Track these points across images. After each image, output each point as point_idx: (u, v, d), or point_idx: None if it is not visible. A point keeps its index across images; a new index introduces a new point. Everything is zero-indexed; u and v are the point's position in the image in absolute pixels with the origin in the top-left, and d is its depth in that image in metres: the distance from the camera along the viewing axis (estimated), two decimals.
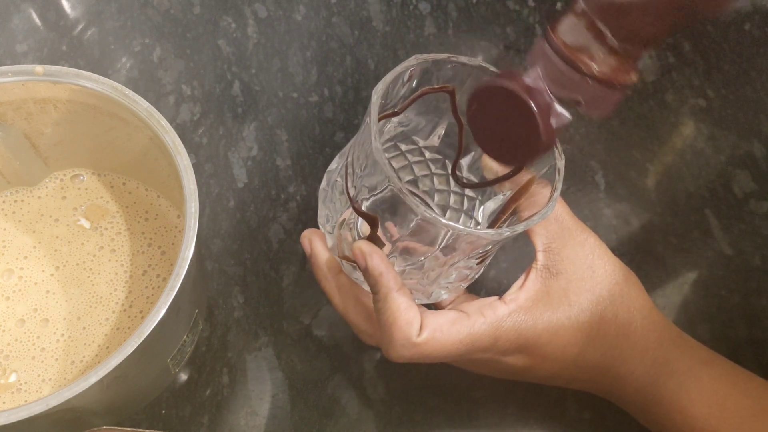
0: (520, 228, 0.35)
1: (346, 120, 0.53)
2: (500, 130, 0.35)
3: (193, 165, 0.38)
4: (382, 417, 0.44)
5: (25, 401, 0.40)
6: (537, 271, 0.38)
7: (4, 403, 0.40)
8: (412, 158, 0.44)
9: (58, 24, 0.56)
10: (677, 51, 0.56)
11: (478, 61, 0.39)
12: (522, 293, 0.38)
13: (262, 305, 0.47)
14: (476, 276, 0.41)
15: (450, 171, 0.44)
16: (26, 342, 0.42)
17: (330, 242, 0.41)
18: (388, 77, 0.37)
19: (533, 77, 0.34)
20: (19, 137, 0.43)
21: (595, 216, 0.50)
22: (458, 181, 0.43)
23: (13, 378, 0.41)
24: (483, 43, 0.57)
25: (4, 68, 0.40)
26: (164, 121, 0.39)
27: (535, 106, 0.33)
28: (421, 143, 0.44)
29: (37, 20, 0.56)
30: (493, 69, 0.39)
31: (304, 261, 0.48)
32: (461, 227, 0.34)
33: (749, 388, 0.38)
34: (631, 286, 0.39)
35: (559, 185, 0.37)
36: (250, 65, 0.55)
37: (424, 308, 0.38)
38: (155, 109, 0.39)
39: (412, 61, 0.38)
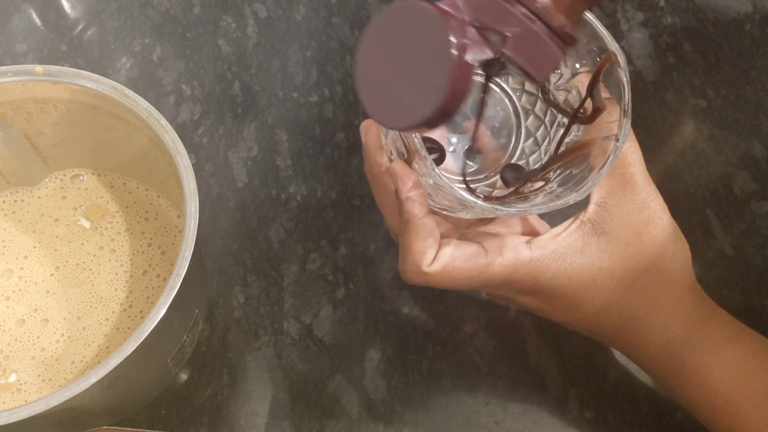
0: (547, 207, 0.33)
1: (346, 120, 0.53)
2: (398, 73, 0.27)
3: (193, 165, 0.38)
4: (383, 417, 0.44)
5: (25, 401, 0.40)
6: (581, 223, 0.36)
7: (4, 403, 0.40)
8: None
9: (58, 24, 0.56)
10: (677, 51, 0.55)
11: None
12: (552, 243, 0.36)
13: (262, 305, 0.47)
14: None
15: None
16: (26, 342, 0.42)
17: (383, 139, 0.39)
18: None
19: (449, 1, 0.27)
20: (19, 137, 0.43)
21: None
22: (544, 93, 0.39)
23: (13, 378, 0.41)
24: None
25: (4, 68, 0.40)
26: (164, 121, 0.39)
27: (450, 30, 0.26)
28: None
29: (37, 20, 0.56)
30: (594, 21, 0.34)
31: (304, 261, 0.48)
32: (503, 209, 0.33)
33: None
34: (675, 261, 0.38)
35: (614, 156, 0.33)
36: (250, 65, 0.55)
37: (456, 233, 0.38)
38: (155, 109, 0.39)
39: None
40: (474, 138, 0.39)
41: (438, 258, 0.36)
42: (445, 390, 0.45)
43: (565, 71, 0.38)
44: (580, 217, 0.37)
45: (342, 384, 0.45)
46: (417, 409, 0.44)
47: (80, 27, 0.56)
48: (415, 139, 0.33)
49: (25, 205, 0.46)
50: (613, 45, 0.35)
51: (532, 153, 0.41)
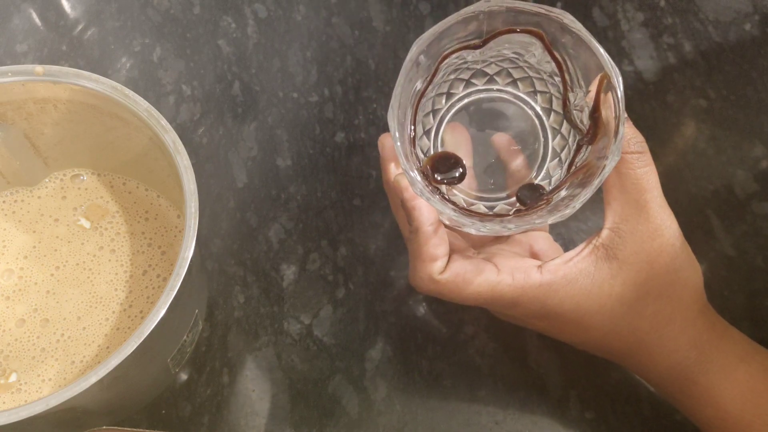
0: (532, 226, 0.35)
1: (346, 120, 0.53)
2: None
3: (193, 165, 0.38)
4: (383, 417, 0.44)
5: (25, 401, 0.40)
6: (594, 248, 0.37)
7: (4, 403, 0.40)
8: (532, 73, 0.42)
9: (58, 24, 0.56)
10: (678, 52, 0.55)
11: (561, 12, 0.36)
12: (564, 268, 0.36)
13: (262, 305, 0.47)
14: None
15: (562, 99, 0.41)
16: (26, 342, 0.42)
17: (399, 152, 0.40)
18: (438, 28, 0.36)
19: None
20: (19, 137, 0.43)
21: (597, 217, 0.50)
22: (566, 112, 0.40)
23: (13, 378, 0.41)
24: None
25: (4, 68, 0.40)
26: (164, 121, 0.39)
27: None
28: (535, 63, 0.41)
29: (37, 20, 0.56)
30: (572, 22, 0.36)
31: (304, 261, 0.48)
32: (496, 227, 0.34)
33: None
34: (686, 288, 0.37)
35: (601, 176, 0.34)
36: (250, 65, 0.55)
37: (469, 250, 0.39)
38: (155, 109, 0.39)
39: (480, 6, 0.36)
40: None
41: (449, 268, 0.36)
42: (445, 390, 0.45)
43: (579, 91, 0.38)
44: (593, 242, 0.37)
45: (342, 384, 0.45)
46: (417, 409, 0.44)
47: (80, 27, 0.56)
48: (398, 148, 0.34)
49: (25, 205, 0.46)
50: (608, 65, 0.35)
51: (555, 173, 0.41)
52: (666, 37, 0.56)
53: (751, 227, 0.50)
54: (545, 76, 0.41)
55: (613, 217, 0.37)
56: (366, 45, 0.56)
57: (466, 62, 0.40)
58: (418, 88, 0.38)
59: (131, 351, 0.33)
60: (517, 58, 0.40)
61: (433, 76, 0.39)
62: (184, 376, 0.45)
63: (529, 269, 0.37)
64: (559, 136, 0.41)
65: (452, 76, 0.41)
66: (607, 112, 0.35)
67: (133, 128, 0.41)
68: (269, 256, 0.48)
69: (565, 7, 0.57)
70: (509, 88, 0.41)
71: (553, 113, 0.42)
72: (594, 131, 0.36)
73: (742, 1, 0.57)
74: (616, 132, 0.34)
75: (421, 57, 0.37)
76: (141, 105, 0.39)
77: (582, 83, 0.38)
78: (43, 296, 0.43)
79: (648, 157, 0.36)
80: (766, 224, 0.49)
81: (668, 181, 0.51)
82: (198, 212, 0.37)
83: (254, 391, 0.44)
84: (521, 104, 0.39)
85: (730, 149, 0.52)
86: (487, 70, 0.41)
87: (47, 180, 0.46)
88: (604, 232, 0.37)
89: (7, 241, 0.45)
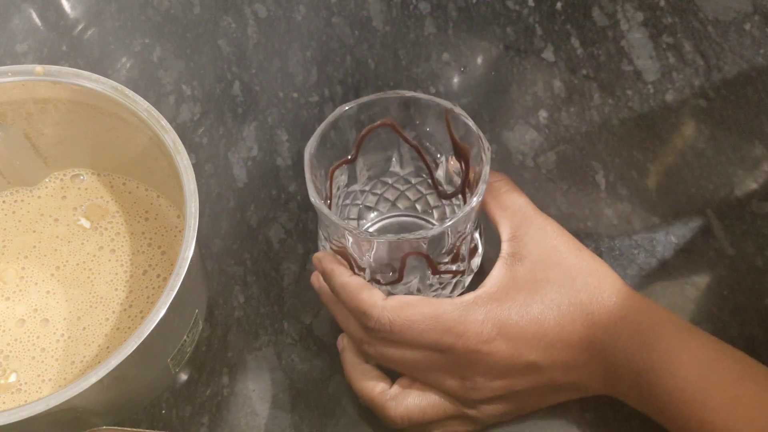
0: (433, 231, 0.36)
1: None
2: None
3: (193, 165, 0.38)
4: None
5: (25, 401, 0.40)
6: (503, 259, 0.40)
7: (4, 403, 0.40)
8: (402, 187, 0.45)
9: (58, 24, 0.56)
10: (677, 51, 0.55)
11: (406, 93, 0.40)
12: (488, 281, 0.39)
13: (262, 305, 0.47)
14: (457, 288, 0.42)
15: (433, 186, 0.45)
16: (26, 342, 0.42)
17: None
18: (317, 134, 0.39)
19: None
20: (19, 137, 0.43)
21: (596, 216, 0.50)
22: (441, 195, 0.44)
23: (13, 378, 0.41)
24: (483, 43, 0.57)
25: (4, 68, 0.40)
26: (164, 121, 0.39)
27: None
28: (402, 171, 0.45)
29: (37, 20, 0.56)
30: (425, 96, 0.40)
31: (304, 261, 0.48)
32: (386, 237, 0.37)
33: (735, 355, 0.38)
34: (596, 262, 0.40)
35: (484, 173, 0.38)
36: (250, 65, 0.55)
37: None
38: (155, 109, 0.39)
39: (336, 112, 0.39)
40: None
41: (392, 297, 0.38)
42: None
43: (441, 161, 0.43)
44: (500, 256, 0.41)
45: (342, 384, 0.45)
46: None
47: (80, 27, 0.56)
48: (323, 211, 0.37)
49: (25, 205, 0.46)
50: (438, 103, 0.40)
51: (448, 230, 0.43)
52: (666, 37, 0.56)
53: (751, 227, 0.50)
54: (414, 179, 0.45)
55: (506, 229, 0.41)
56: (366, 45, 0.56)
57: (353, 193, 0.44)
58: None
59: (131, 351, 0.33)
60: (385, 174, 0.44)
61: (330, 193, 0.42)
62: (184, 376, 0.45)
63: (459, 297, 0.39)
64: (435, 216, 0.46)
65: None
66: (465, 142, 0.40)
67: (133, 128, 0.41)
68: (269, 256, 0.48)
69: (565, 8, 0.57)
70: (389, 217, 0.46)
71: (435, 210, 0.46)
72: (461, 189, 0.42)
73: (742, 1, 0.57)
74: (479, 146, 0.39)
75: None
76: (141, 105, 0.39)
77: (441, 152, 0.42)
78: (43, 296, 0.43)
79: (509, 180, 0.43)
80: (766, 224, 0.49)
81: (668, 181, 0.52)
82: (198, 212, 0.37)
83: (254, 391, 0.44)
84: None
85: (730, 149, 0.52)
86: (370, 201, 0.45)
87: (47, 180, 0.46)
88: (504, 244, 0.41)
89: (7, 241, 0.45)
